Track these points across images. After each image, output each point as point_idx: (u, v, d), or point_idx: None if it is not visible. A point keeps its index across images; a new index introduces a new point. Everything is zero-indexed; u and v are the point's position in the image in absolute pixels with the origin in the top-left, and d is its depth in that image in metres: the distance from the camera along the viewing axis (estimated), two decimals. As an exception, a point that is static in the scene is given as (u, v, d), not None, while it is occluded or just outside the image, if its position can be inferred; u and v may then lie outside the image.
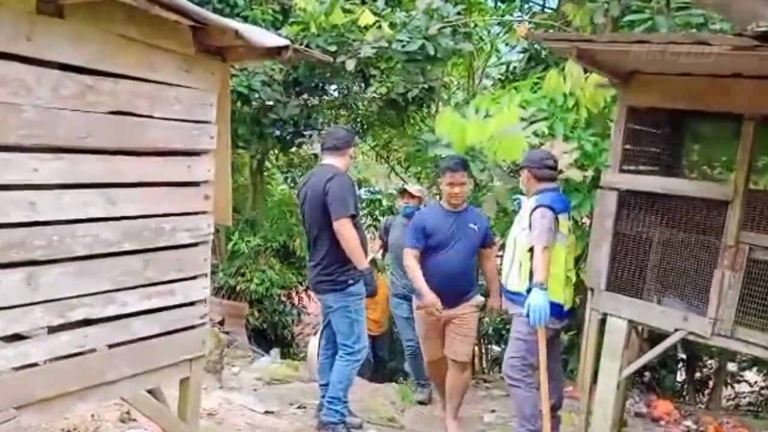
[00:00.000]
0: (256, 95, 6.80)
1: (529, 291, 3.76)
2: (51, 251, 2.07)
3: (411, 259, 4.42)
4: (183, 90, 2.40)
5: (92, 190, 2.17)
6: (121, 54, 2.20)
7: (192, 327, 2.59)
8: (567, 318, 4.08)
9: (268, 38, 2.46)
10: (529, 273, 3.84)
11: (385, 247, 5.96)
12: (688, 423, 5.46)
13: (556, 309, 3.79)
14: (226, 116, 2.71)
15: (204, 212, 2.56)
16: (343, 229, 3.91)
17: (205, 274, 2.62)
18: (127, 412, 3.80)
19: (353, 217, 3.97)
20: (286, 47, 2.42)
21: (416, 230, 4.44)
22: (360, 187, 9.85)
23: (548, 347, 3.83)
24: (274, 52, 2.48)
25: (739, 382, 7.51)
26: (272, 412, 4.60)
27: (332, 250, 3.99)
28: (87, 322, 2.22)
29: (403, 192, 5.76)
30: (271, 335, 8.21)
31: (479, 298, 4.61)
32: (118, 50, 2.19)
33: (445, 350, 4.53)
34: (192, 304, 2.57)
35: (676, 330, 3.68)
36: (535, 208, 3.84)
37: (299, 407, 4.79)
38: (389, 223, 5.93)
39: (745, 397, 7.55)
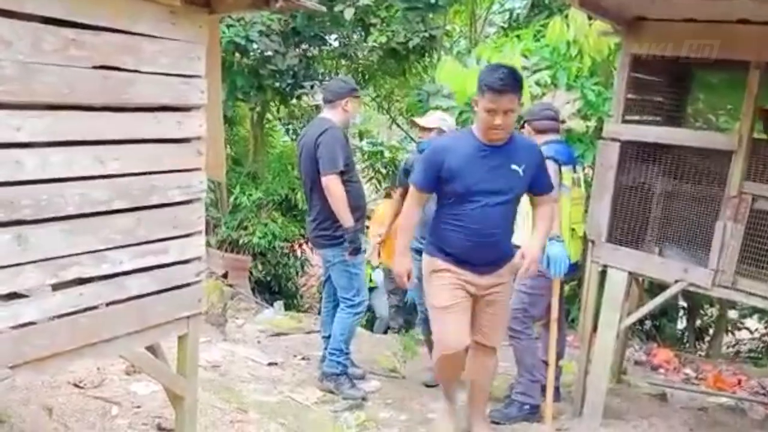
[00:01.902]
0: (254, 46, 6.68)
1: None
2: (39, 210, 2.04)
3: (409, 200, 3.35)
4: (169, 43, 2.33)
5: (79, 147, 2.13)
6: (104, 5, 2.14)
7: (188, 284, 2.58)
8: (573, 271, 4.07)
9: (258, -13, 2.38)
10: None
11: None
12: (688, 371, 5.52)
13: None
14: (217, 70, 2.65)
15: (196, 169, 2.52)
16: (331, 184, 3.89)
17: (200, 232, 2.60)
18: (132, 365, 3.85)
19: (342, 173, 3.92)
20: (275, -4, 2.35)
21: (429, 165, 3.21)
22: (361, 139, 9.77)
23: (553, 299, 3.84)
24: (264, 2, 2.41)
25: (739, 329, 7.56)
26: (276, 364, 4.65)
27: (327, 205, 3.96)
28: (80, 281, 2.21)
29: (414, 124, 4.79)
30: (275, 287, 8.27)
31: (516, 262, 3.34)
32: (100, 1, 2.12)
33: (472, 333, 3.33)
34: (187, 261, 2.56)
35: (676, 281, 3.66)
36: None
37: (303, 359, 4.85)
38: (410, 163, 4.58)
39: (745, 344, 7.61)
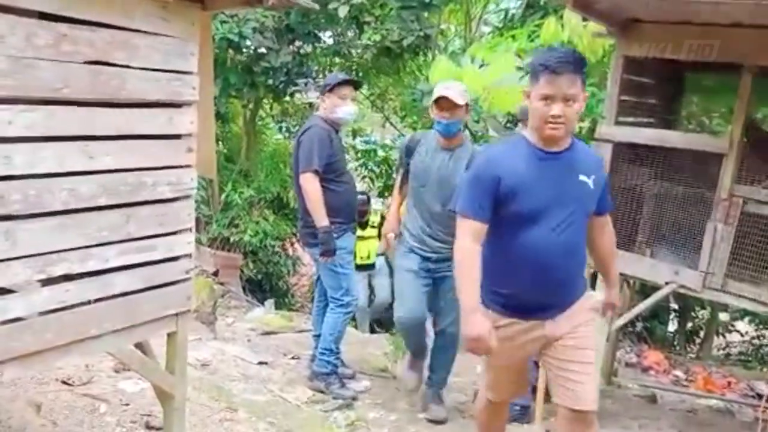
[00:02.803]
0: (248, 43, 6.66)
1: None
2: (28, 206, 2.03)
3: (463, 237, 2.45)
4: (162, 39, 2.32)
5: (69, 143, 2.11)
6: (97, 1, 2.12)
7: (177, 282, 2.57)
8: None
9: (250, -16, 2.37)
10: None
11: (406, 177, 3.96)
12: (678, 373, 5.54)
13: None
14: (209, 67, 2.63)
15: (187, 166, 2.51)
16: (305, 182, 3.87)
17: (189, 229, 2.58)
18: (121, 363, 3.83)
19: (326, 173, 3.90)
20: (268, -6, 2.34)
21: (483, 184, 2.43)
22: (355, 137, 9.75)
23: None
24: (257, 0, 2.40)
25: (730, 331, 7.60)
26: (266, 363, 4.64)
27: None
28: (68, 277, 2.20)
29: (438, 99, 3.60)
30: (266, 286, 8.25)
31: (594, 297, 2.86)
32: (94, -3, 2.11)
33: (556, 397, 2.62)
34: (176, 258, 2.54)
35: (667, 283, 3.68)
36: None
37: (293, 358, 4.83)
38: (415, 141, 3.87)
39: (735, 347, 7.65)
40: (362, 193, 6.59)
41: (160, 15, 2.29)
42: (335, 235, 3.94)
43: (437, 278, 3.82)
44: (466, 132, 3.95)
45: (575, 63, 2.34)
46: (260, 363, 4.60)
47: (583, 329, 2.56)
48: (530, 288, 2.47)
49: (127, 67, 2.23)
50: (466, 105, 3.68)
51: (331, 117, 4.03)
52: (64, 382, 3.53)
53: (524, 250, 2.41)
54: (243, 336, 5.35)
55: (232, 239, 7.72)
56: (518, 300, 2.50)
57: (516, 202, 2.40)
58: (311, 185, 3.86)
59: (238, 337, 5.30)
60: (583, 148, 2.59)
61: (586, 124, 4.81)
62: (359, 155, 8.95)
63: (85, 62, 2.11)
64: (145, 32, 2.26)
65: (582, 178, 2.45)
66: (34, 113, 2.02)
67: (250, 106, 8.32)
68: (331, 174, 3.94)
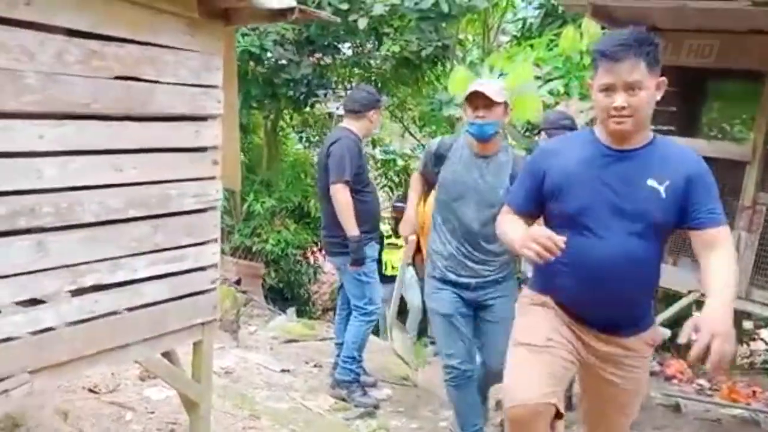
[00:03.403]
0: (268, 55, 6.74)
1: None
2: (59, 218, 2.08)
3: (505, 224, 2.33)
4: (188, 54, 2.37)
5: (99, 156, 2.17)
6: (125, 18, 2.18)
7: (203, 292, 2.61)
8: None
9: (274, 0, 2.42)
10: None
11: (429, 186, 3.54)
12: (702, 381, 5.47)
13: None
14: (233, 80, 2.68)
15: (212, 177, 2.56)
16: (336, 193, 3.88)
17: (215, 240, 2.63)
18: (147, 371, 3.88)
19: (355, 184, 3.92)
20: (291, 9, 2.38)
21: (528, 175, 2.30)
22: (374, 147, 9.81)
23: None
24: (280, 14, 2.44)
25: (754, 339, 7.50)
26: (288, 371, 4.67)
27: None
28: (97, 288, 2.25)
29: (471, 94, 3.07)
30: (288, 294, 8.30)
31: (660, 332, 2.62)
32: (122, 14, 2.16)
33: (585, 416, 2.54)
34: (203, 269, 2.59)
35: (689, 291, 3.66)
36: None
37: (315, 366, 4.86)
38: (446, 147, 3.30)
39: (760, 355, 7.53)
40: (399, 200, 6.55)
41: (186, 31, 2.34)
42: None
43: (479, 306, 3.28)
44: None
45: (637, 45, 2.02)
46: (283, 371, 4.63)
47: (634, 359, 2.24)
48: (574, 298, 2.22)
49: (155, 81, 2.28)
50: (505, 104, 3.13)
51: (368, 133, 4.13)
52: (90, 390, 3.58)
53: (570, 254, 2.07)
54: (265, 344, 5.40)
55: (254, 248, 7.79)
56: (568, 302, 2.25)
57: (561, 200, 2.17)
58: (343, 196, 3.87)
59: (261, 345, 5.35)
60: (669, 148, 2.15)
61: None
62: (379, 165, 8.99)
63: (114, 77, 2.17)
64: (172, 47, 2.32)
65: (651, 183, 2.08)
66: (65, 128, 2.07)
67: (271, 117, 8.40)
68: (358, 185, 3.97)
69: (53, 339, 2.14)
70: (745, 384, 5.46)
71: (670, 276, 3.74)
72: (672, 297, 4.14)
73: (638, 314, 2.24)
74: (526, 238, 2.06)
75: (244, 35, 6.50)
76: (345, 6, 6.04)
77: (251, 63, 6.80)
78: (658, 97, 2.07)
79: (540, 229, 2.07)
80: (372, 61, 7.92)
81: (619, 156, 2.12)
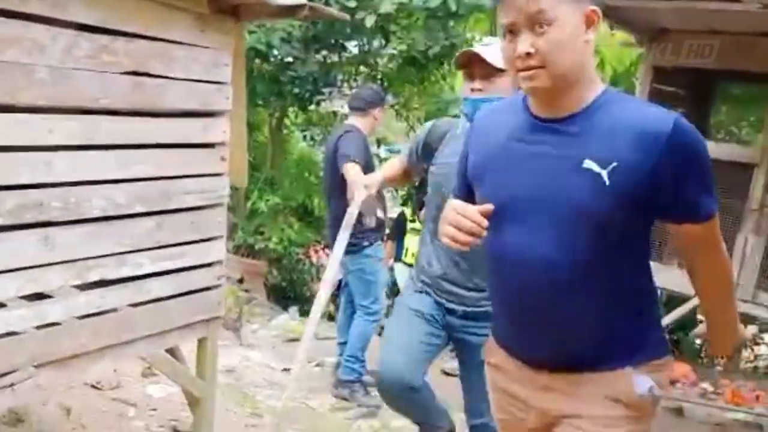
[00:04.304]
0: (275, 52, 6.72)
1: None
2: (67, 213, 2.07)
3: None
4: (198, 50, 2.37)
5: (108, 151, 2.16)
6: (136, 13, 2.17)
7: (208, 288, 2.60)
8: None
9: (284, -4, 2.42)
10: None
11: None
12: (705, 385, 5.45)
13: None
14: (241, 76, 2.67)
15: (219, 174, 2.55)
16: (350, 169, 3.67)
17: (221, 236, 2.62)
18: (149, 367, 3.87)
19: (360, 165, 3.77)
20: (301, 6, 2.37)
21: (461, 157, 1.80)
22: (379, 146, 9.78)
23: None
24: (289, 11, 2.43)
25: (758, 344, 7.48)
26: (290, 370, 4.66)
27: (344, 212, 3.95)
28: (103, 283, 2.24)
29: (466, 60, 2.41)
30: (290, 293, 8.29)
31: (642, 383, 1.55)
32: (133, 10, 2.16)
33: None
34: (208, 265, 2.58)
35: (695, 294, 3.64)
36: None
37: (317, 365, 4.85)
38: (438, 134, 2.55)
39: (764, 359, 7.52)
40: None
41: (196, 26, 2.33)
42: (366, 243, 3.96)
43: (460, 340, 2.50)
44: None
45: None
46: (285, 369, 4.62)
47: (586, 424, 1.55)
48: (507, 326, 1.67)
49: (165, 77, 2.28)
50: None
51: (372, 131, 4.12)
52: (93, 386, 3.58)
53: (495, 258, 1.62)
54: (268, 342, 5.39)
55: (257, 246, 7.77)
56: (503, 324, 1.69)
57: (481, 190, 1.64)
58: (354, 169, 3.66)
59: (263, 343, 5.34)
60: (623, 111, 1.46)
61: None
62: (383, 163, 8.97)
63: (124, 73, 2.16)
64: (182, 43, 2.31)
65: (588, 165, 1.43)
66: (74, 122, 2.07)
67: (276, 114, 8.38)
68: None
69: (59, 333, 2.14)
70: (748, 388, 5.44)
71: (675, 279, 3.72)
72: (678, 300, 4.13)
73: (603, 339, 1.54)
74: (443, 216, 1.55)
75: (250, 32, 6.48)
76: (352, 4, 6.02)
77: (257, 60, 6.78)
78: (591, 36, 1.43)
79: (458, 204, 1.54)
80: (378, 60, 7.90)
81: (547, 128, 1.51)
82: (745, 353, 7.24)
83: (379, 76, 8.08)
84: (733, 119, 4.60)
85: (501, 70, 2.26)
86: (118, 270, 2.27)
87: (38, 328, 2.09)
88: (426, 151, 2.56)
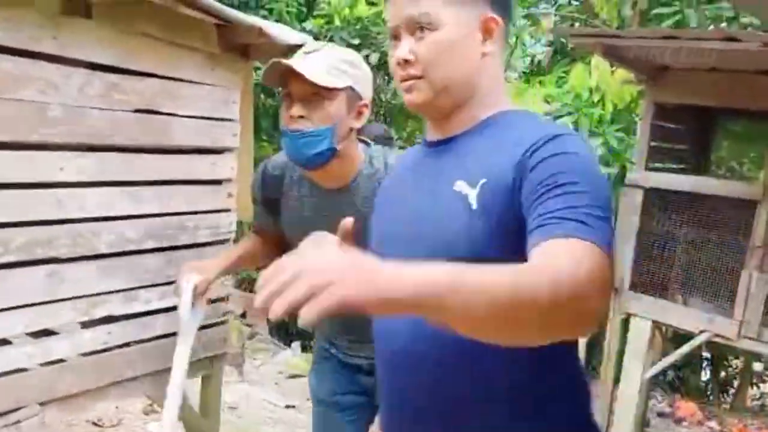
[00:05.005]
0: (279, 88, 6.80)
1: None
2: (75, 249, 2.08)
3: None
4: (207, 88, 2.40)
5: (117, 188, 2.18)
6: (147, 52, 2.20)
7: (213, 325, 2.60)
8: None
9: (291, 36, 2.46)
10: None
11: None
12: (712, 424, 5.39)
13: None
14: (249, 113, 2.71)
15: (227, 210, 2.56)
16: None
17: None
18: (150, 405, 3.84)
19: None
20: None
21: None
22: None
23: None
24: (297, 50, 2.47)
25: (765, 381, 7.40)
26: (293, 406, 4.62)
27: None
28: (110, 319, 2.24)
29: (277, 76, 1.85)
30: (293, 328, 8.23)
31: None
32: (144, 49, 2.19)
33: None
34: (213, 302, 2.58)
35: (701, 331, 3.62)
36: None
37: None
38: (271, 180, 2.10)
39: (770, 397, 7.43)
40: None
41: (206, 65, 2.37)
42: None
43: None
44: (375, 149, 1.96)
45: None
46: (288, 406, 4.59)
47: None
48: (386, 412, 1.33)
49: (174, 115, 2.30)
50: (352, 92, 1.80)
51: None
52: (94, 424, 3.56)
53: (375, 327, 1.30)
54: (271, 379, 5.35)
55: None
56: (383, 405, 1.34)
57: (371, 228, 1.38)
58: None
59: (266, 379, 5.30)
60: (509, 128, 1.19)
61: (615, 169, 4.83)
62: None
63: (134, 110, 2.19)
64: (192, 81, 2.34)
65: (459, 187, 1.16)
66: (85, 159, 2.08)
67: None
68: None
69: (65, 370, 2.13)
70: (755, 426, 5.38)
71: (680, 315, 3.71)
72: (683, 337, 4.10)
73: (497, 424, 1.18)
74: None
75: (256, 68, 6.57)
76: (356, 41, 6.13)
77: (263, 96, 6.85)
78: (491, 48, 1.23)
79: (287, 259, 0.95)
80: (382, 95, 7.99)
81: (433, 151, 1.28)
82: (752, 391, 7.16)
83: (382, 112, 8.16)
84: (735, 155, 4.63)
85: (329, 89, 1.73)
86: (126, 306, 2.27)
87: (44, 365, 2.08)
88: (267, 203, 2.07)
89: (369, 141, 1.96)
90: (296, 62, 1.76)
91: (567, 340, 1.09)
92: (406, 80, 1.23)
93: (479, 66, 1.23)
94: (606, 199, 1.06)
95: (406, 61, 1.21)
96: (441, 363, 1.17)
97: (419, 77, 1.21)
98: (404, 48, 1.21)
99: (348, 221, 1.05)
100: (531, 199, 1.07)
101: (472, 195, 1.14)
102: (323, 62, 1.75)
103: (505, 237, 1.10)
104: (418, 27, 1.19)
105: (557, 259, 0.95)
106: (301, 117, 1.78)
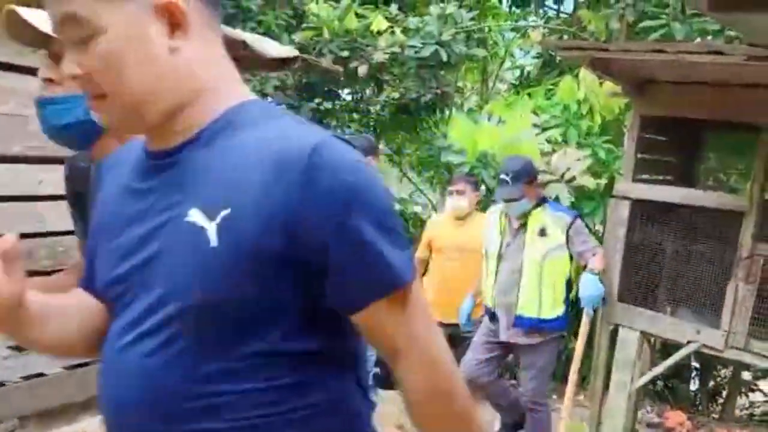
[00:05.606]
0: (269, 100, 6.81)
1: (565, 312, 3.69)
2: (56, 262, 2.07)
3: None
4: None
5: (98, 200, 2.17)
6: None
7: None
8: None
9: (277, 49, 2.46)
10: (564, 292, 3.69)
11: None
12: (702, 434, 5.39)
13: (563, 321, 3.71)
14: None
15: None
16: None
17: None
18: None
19: None
20: (294, 58, 2.42)
21: None
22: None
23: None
24: (283, 63, 2.48)
25: (753, 391, 7.41)
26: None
27: None
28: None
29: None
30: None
31: None
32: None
33: None
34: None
35: (688, 342, 3.63)
36: (573, 220, 3.70)
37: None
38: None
39: (758, 407, 7.44)
40: None
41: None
42: None
43: None
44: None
45: None
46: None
47: None
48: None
49: (157, 127, 2.30)
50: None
51: None
52: (79, 437, 3.52)
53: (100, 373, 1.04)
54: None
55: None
56: None
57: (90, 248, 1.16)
58: None
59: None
60: (252, 135, 0.96)
61: (603, 180, 4.85)
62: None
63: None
64: (175, 94, 2.34)
65: (193, 217, 0.93)
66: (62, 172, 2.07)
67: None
68: None
69: (45, 385, 2.11)
70: (745, 437, 5.38)
71: (668, 326, 3.72)
72: (671, 347, 4.11)
73: None
74: None
75: (246, 81, 6.58)
76: (345, 53, 6.15)
77: (252, 107, 6.88)
78: (181, 43, 0.96)
79: None
80: (371, 107, 8.02)
81: (155, 166, 1.02)
82: (741, 400, 7.18)
83: (372, 123, 8.19)
84: (722, 167, 4.65)
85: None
86: (107, 319, 2.26)
87: (24, 378, 2.06)
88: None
89: None
90: (26, 11, 1.48)
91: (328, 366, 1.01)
92: (91, 101, 0.97)
93: (173, 65, 0.96)
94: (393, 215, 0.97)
95: (76, 78, 0.95)
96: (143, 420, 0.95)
97: (98, 96, 0.95)
98: (69, 62, 0.94)
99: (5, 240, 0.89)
100: (315, 241, 0.90)
101: (211, 229, 0.90)
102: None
103: (263, 290, 0.90)
104: (76, 34, 0.92)
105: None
106: (50, 81, 1.59)
